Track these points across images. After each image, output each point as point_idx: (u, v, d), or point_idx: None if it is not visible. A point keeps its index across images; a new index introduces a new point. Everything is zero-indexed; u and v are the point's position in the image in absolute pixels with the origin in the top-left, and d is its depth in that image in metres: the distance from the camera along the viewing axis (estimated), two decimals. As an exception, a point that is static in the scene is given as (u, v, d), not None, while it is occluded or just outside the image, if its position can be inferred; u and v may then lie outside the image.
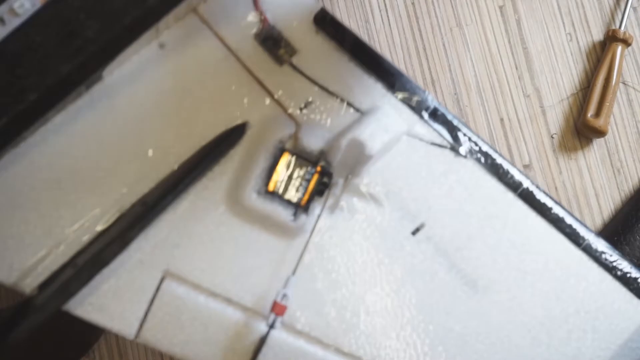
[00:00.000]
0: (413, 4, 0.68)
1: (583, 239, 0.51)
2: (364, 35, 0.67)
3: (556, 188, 0.66)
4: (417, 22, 0.67)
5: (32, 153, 0.49)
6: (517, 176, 0.52)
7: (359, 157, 0.50)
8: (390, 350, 0.50)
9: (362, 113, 0.51)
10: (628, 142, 0.67)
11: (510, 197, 0.52)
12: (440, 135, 0.52)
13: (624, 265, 0.51)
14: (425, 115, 0.52)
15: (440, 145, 0.52)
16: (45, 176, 0.49)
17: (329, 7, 0.67)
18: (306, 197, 0.50)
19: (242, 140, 0.51)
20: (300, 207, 0.50)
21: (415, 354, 0.50)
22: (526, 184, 0.52)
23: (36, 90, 0.46)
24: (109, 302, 0.48)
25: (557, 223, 0.52)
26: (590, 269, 0.51)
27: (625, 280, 0.51)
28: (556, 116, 0.67)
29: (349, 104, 0.51)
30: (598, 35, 0.68)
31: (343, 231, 0.51)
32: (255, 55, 0.51)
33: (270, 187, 0.50)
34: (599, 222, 0.66)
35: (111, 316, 0.48)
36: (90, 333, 0.59)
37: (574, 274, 0.51)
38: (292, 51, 0.51)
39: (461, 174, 0.52)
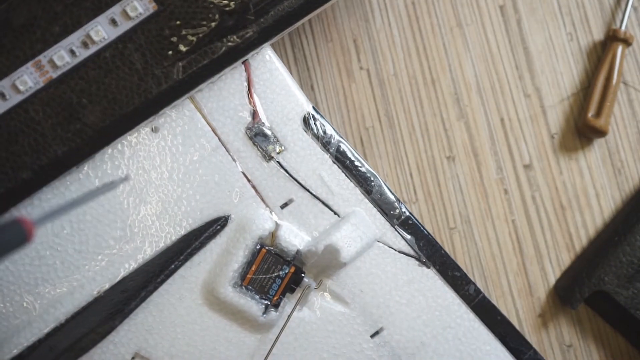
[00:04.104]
0: (413, 4, 0.67)
1: (524, 353, 0.55)
2: (364, 35, 0.67)
3: (557, 188, 0.66)
4: (417, 22, 0.67)
5: None
6: (472, 290, 0.55)
7: (332, 262, 0.53)
8: None
9: (339, 216, 0.54)
10: (629, 142, 0.67)
11: (463, 309, 0.55)
12: (408, 244, 0.55)
13: None
14: (397, 223, 0.55)
15: (406, 254, 0.55)
16: (30, 252, 0.50)
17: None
18: (277, 294, 0.52)
19: (223, 232, 0.52)
20: (271, 304, 0.52)
21: None
22: (479, 297, 0.55)
23: (30, 169, 0.46)
24: None
25: (503, 338, 0.55)
26: None
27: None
28: (557, 116, 0.67)
29: (328, 207, 0.54)
30: (599, 34, 0.68)
31: (310, 329, 0.53)
32: (245, 148, 0.53)
33: (245, 282, 0.52)
34: (599, 223, 0.66)
35: None
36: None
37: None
38: (280, 148, 0.54)
39: (423, 283, 0.55)
